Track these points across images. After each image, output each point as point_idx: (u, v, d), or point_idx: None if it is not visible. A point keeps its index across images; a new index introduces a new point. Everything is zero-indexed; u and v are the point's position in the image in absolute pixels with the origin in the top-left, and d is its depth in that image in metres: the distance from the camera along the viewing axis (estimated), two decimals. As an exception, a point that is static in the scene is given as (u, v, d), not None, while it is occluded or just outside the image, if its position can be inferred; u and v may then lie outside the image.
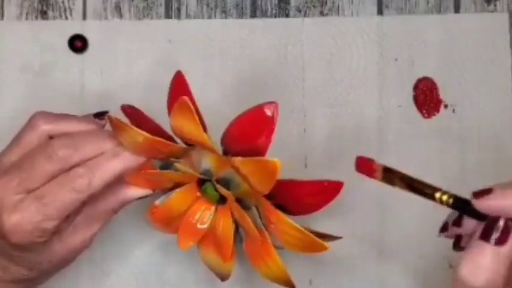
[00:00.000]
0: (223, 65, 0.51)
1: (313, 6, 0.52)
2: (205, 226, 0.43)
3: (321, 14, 0.52)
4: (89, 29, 0.51)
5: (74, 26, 0.51)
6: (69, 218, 0.41)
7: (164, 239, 0.49)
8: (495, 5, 0.53)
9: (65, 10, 0.51)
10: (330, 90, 0.52)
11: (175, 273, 0.50)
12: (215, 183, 0.41)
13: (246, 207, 0.41)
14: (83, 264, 0.49)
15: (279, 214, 0.40)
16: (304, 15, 0.52)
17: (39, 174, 0.39)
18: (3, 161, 0.41)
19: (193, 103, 0.38)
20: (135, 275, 0.50)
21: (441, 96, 0.52)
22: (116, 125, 0.39)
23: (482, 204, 0.34)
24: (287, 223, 0.40)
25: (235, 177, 0.40)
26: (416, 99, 0.52)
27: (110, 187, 0.41)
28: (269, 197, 0.40)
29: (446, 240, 0.51)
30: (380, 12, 0.52)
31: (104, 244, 0.50)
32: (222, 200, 0.42)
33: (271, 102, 0.38)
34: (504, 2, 0.53)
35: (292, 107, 0.51)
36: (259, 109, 0.38)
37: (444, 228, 0.39)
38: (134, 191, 0.42)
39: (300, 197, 0.41)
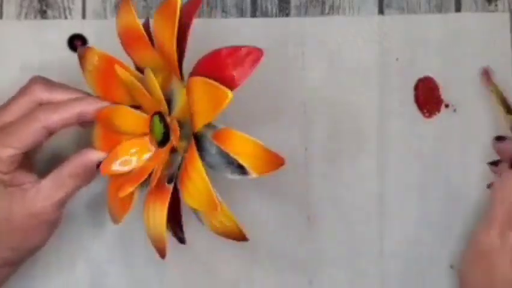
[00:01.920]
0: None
1: (314, 6, 0.52)
2: (127, 168, 0.41)
3: (322, 13, 0.52)
4: (89, 29, 0.51)
5: (73, 26, 0.51)
6: (29, 167, 0.42)
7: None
8: (496, 5, 0.52)
9: (64, 10, 0.51)
10: (331, 90, 0.51)
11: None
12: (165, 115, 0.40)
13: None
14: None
15: (198, 163, 0.38)
16: (305, 15, 0.52)
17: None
18: None
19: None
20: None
21: (443, 96, 0.52)
22: (79, 54, 0.43)
23: None
24: (200, 173, 0.37)
25: (179, 97, 0.39)
26: (417, 98, 0.52)
27: (76, 152, 0.42)
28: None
29: (446, 240, 0.51)
30: (380, 11, 0.52)
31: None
32: (164, 142, 0.41)
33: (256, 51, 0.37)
34: (505, 2, 0.52)
35: (293, 106, 0.51)
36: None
37: (501, 138, 0.48)
38: (95, 153, 0.42)
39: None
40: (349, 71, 0.52)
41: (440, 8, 0.52)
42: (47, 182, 0.42)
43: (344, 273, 0.51)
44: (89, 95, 0.43)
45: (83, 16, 0.51)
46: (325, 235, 0.51)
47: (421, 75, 0.52)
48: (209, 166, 0.38)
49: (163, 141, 0.41)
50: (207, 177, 0.37)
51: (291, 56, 0.51)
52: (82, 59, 0.43)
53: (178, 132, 0.39)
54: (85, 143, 0.45)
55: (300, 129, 0.51)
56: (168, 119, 0.40)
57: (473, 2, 0.52)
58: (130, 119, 0.42)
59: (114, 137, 0.42)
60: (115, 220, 0.43)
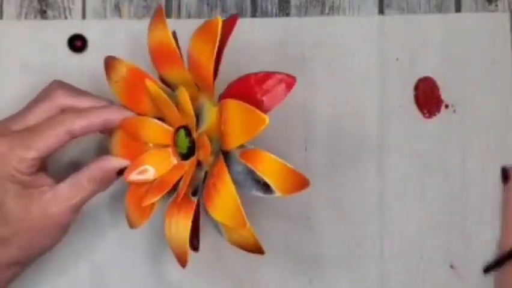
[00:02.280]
0: (223, 64, 0.51)
1: (314, 6, 0.52)
2: (144, 176, 0.42)
3: (322, 13, 0.52)
4: (89, 29, 0.51)
5: (74, 26, 0.51)
6: (46, 170, 0.43)
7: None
8: (496, 5, 0.52)
9: (64, 9, 0.51)
10: (331, 90, 0.51)
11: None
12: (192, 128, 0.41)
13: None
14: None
15: (228, 179, 0.38)
16: (305, 15, 0.52)
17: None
18: (13, 125, 0.42)
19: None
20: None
21: (443, 96, 0.52)
22: (107, 63, 0.43)
23: None
24: (230, 190, 0.38)
25: (208, 114, 0.40)
26: (417, 99, 0.52)
27: (94, 157, 0.43)
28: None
29: (447, 241, 0.51)
30: (381, 11, 0.52)
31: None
32: (187, 155, 0.42)
33: (289, 79, 0.37)
34: (505, 1, 0.52)
35: (293, 106, 0.51)
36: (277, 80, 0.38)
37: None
38: (115, 160, 0.43)
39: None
40: (349, 71, 0.52)
41: (440, 8, 0.52)
42: (65, 186, 0.42)
43: (344, 274, 0.51)
44: (112, 102, 0.44)
45: (83, 16, 0.51)
46: (325, 235, 0.51)
47: (421, 76, 0.52)
48: (233, 182, 0.39)
49: (186, 154, 0.42)
50: (237, 195, 0.38)
51: (291, 56, 0.51)
52: (109, 68, 0.43)
53: (210, 148, 0.40)
54: (100, 149, 0.46)
55: (300, 129, 0.51)
56: (195, 134, 0.41)
57: (473, 2, 0.52)
58: (154, 130, 0.42)
59: (135, 146, 0.43)
60: (132, 225, 0.44)
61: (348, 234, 0.51)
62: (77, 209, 0.42)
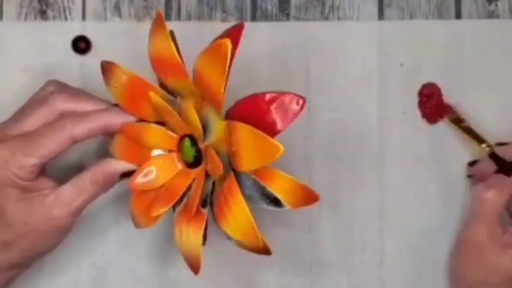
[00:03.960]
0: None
1: (314, 6, 0.52)
2: (148, 178, 0.42)
3: (322, 13, 0.52)
4: (91, 30, 0.51)
5: (75, 27, 0.51)
6: (47, 172, 0.42)
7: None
8: (496, 5, 0.52)
9: (64, 9, 0.51)
10: (334, 95, 0.51)
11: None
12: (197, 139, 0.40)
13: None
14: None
15: (240, 197, 0.39)
16: (305, 15, 0.52)
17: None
18: (9, 130, 0.42)
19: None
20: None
21: (446, 102, 0.51)
22: (105, 68, 0.42)
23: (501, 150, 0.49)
24: (242, 209, 0.39)
25: (215, 128, 0.40)
26: (420, 104, 0.52)
27: (97, 160, 0.43)
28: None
29: (446, 245, 0.51)
30: (381, 11, 0.52)
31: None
32: (193, 165, 0.42)
33: (300, 98, 0.37)
34: (505, 1, 0.52)
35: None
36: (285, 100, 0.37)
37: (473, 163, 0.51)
38: (118, 163, 0.43)
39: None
40: (353, 76, 0.52)
41: (440, 8, 0.52)
42: (66, 188, 0.42)
43: (344, 278, 0.51)
44: (111, 104, 0.43)
45: (83, 16, 0.51)
46: (326, 239, 0.51)
47: (425, 81, 0.51)
48: (244, 196, 0.39)
49: (192, 163, 0.42)
50: (250, 214, 0.38)
51: (294, 61, 0.51)
52: (107, 73, 0.43)
53: (220, 164, 0.39)
54: (101, 150, 0.46)
55: (301, 134, 0.51)
56: (201, 145, 0.41)
57: (473, 2, 0.52)
58: (158, 136, 0.42)
59: (137, 150, 0.42)
60: (138, 226, 0.44)
61: (348, 239, 0.51)
62: (78, 212, 0.42)
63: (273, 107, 0.37)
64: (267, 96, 0.38)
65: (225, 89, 0.38)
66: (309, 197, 0.40)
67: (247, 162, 0.38)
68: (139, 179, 0.42)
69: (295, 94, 0.38)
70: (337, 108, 0.51)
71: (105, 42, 0.51)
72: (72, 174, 0.43)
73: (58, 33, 0.51)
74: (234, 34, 0.39)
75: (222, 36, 0.40)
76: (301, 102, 0.37)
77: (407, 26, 0.52)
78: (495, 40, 0.52)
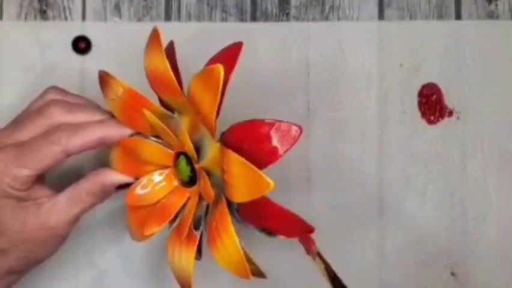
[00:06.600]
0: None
1: (314, 6, 0.52)
2: (146, 190, 0.42)
3: (322, 13, 0.52)
4: (91, 30, 0.51)
5: (75, 27, 0.51)
6: (43, 180, 0.42)
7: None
8: (496, 5, 0.52)
9: (64, 9, 0.51)
10: (334, 95, 0.51)
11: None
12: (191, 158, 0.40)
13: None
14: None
15: (231, 230, 0.38)
16: (305, 15, 0.52)
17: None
18: (6, 139, 0.41)
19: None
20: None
21: (446, 102, 0.52)
22: (102, 79, 0.41)
23: None
24: (233, 242, 0.38)
25: (209, 150, 0.40)
26: (420, 105, 0.52)
27: (94, 170, 0.42)
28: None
29: (448, 247, 0.51)
30: (381, 11, 0.52)
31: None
32: (190, 183, 0.41)
33: (297, 125, 0.37)
34: (505, 1, 0.52)
35: (296, 111, 0.51)
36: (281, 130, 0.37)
37: None
38: (115, 175, 0.42)
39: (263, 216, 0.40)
40: (353, 77, 0.52)
41: (440, 8, 0.52)
42: (63, 198, 0.41)
43: (344, 277, 0.51)
44: (110, 115, 0.43)
45: (83, 16, 0.51)
46: (326, 240, 0.51)
47: (425, 82, 0.52)
48: (237, 221, 0.39)
49: (187, 181, 0.42)
50: (240, 248, 0.38)
51: (294, 61, 0.51)
52: (104, 84, 0.42)
53: (212, 190, 0.39)
54: (98, 157, 0.46)
55: (303, 133, 0.51)
56: (196, 166, 0.40)
57: (473, 2, 0.52)
58: (155, 152, 0.42)
59: (134, 163, 0.42)
60: (134, 239, 0.44)
61: (348, 239, 0.51)
62: (75, 221, 0.42)
63: (273, 134, 0.37)
64: (265, 123, 0.37)
65: (218, 113, 0.37)
66: (303, 228, 0.40)
67: (237, 194, 0.37)
68: (135, 193, 0.42)
69: (292, 123, 0.37)
70: (337, 108, 0.51)
71: (105, 42, 0.51)
72: (70, 180, 0.42)
73: (58, 33, 0.51)
74: (232, 53, 0.38)
75: (218, 56, 0.40)
76: (300, 129, 0.37)
77: (407, 26, 0.52)
78: (495, 40, 0.52)
